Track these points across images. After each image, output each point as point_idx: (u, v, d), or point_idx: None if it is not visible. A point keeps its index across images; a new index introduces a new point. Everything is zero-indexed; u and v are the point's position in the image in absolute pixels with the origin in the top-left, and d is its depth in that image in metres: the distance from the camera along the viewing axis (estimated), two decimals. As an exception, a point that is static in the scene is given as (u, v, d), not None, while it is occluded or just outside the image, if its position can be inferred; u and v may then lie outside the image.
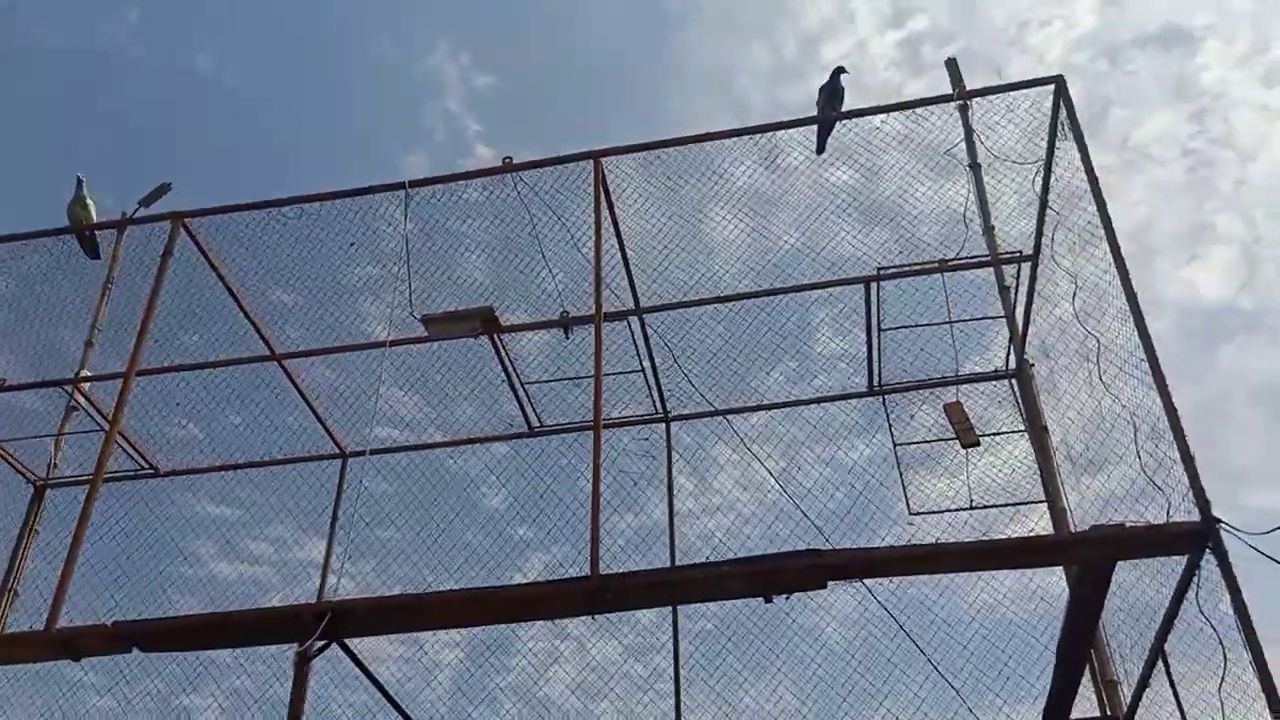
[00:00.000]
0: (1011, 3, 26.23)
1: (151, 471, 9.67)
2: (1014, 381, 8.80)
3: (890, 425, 8.65)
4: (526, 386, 8.90)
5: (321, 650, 5.85)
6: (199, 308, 8.46)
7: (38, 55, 22.86)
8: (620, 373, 8.52)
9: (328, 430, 9.27)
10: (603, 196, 7.32)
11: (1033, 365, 8.75)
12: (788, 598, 5.84)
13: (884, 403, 8.85)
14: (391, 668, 7.96)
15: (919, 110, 7.49)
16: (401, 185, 7.39)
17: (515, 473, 9.06)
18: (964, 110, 8.46)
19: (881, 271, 8.22)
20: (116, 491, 9.82)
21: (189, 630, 5.87)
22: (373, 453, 9.40)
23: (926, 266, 8.19)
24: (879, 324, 8.55)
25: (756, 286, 8.41)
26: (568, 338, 8.46)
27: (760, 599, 5.83)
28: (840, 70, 7.44)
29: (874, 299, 8.36)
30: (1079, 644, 6.09)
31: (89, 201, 7.83)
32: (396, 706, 6.52)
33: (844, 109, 7.43)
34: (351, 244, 7.33)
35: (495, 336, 8.40)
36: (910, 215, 8.15)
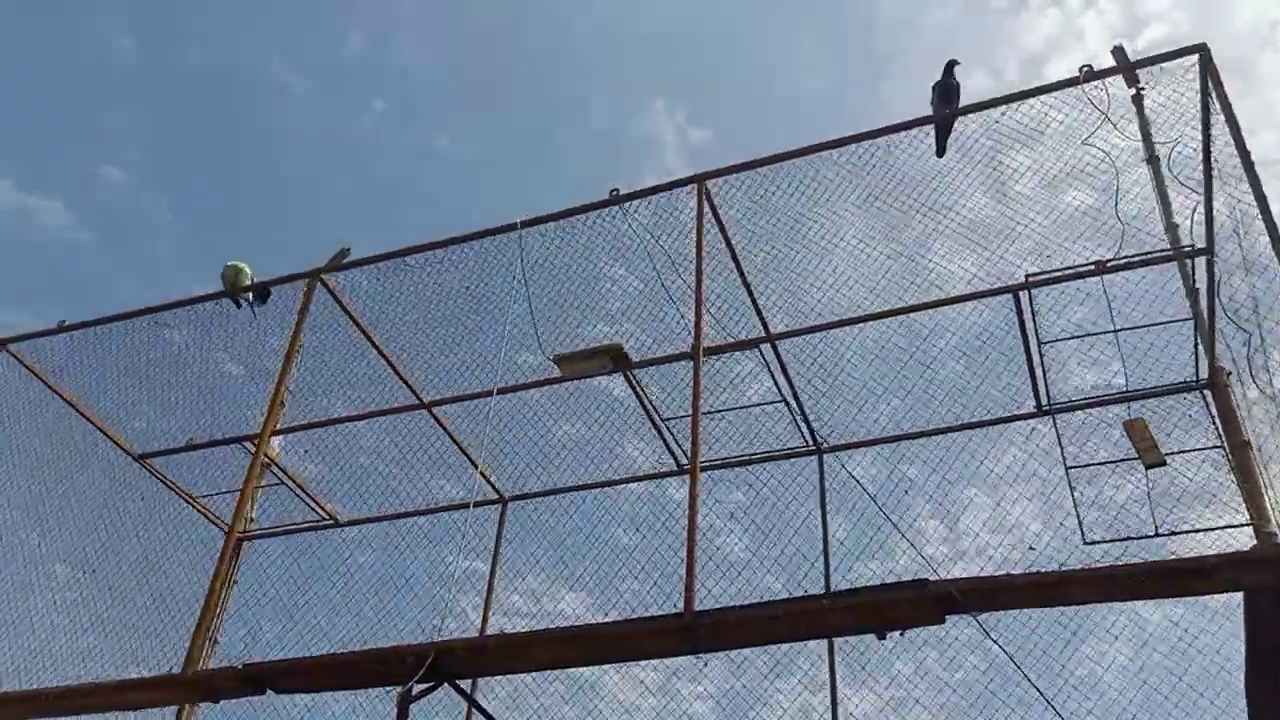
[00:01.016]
0: (1257, 2, 24.01)
1: (332, 522, 10.15)
2: (1207, 393, 7.80)
3: (1061, 446, 7.85)
4: (669, 423, 8.71)
5: (427, 692, 5.86)
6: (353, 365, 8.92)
7: (295, 140, 25.26)
8: (754, 405, 8.18)
9: (484, 476, 9.41)
10: (714, 221, 7.13)
11: (1229, 374, 7.73)
12: (903, 634, 5.34)
13: (1054, 423, 8.04)
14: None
15: (1068, 100, 6.83)
16: (513, 227, 7.46)
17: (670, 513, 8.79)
18: (1138, 100, 7.73)
19: (1030, 279, 7.52)
20: (308, 542, 10.47)
21: (305, 671, 6.02)
22: (524, 497, 9.50)
23: (1082, 270, 7.42)
24: (1038, 337, 7.82)
25: (892, 305, 7.88)
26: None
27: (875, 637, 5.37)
28: (953, 64, 6.92)
29: (1026, 309, 7.66)
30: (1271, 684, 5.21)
31: (243, 268, 8.42)
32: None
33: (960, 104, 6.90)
34: (466, 288, 7.44)
35: (628, 373, 8.29)
36: (1049, 219, 7.46)
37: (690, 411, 8.42)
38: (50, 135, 26.35)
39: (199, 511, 9.80)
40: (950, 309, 8.03)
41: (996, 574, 5.00)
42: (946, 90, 6.87)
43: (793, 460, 8.83)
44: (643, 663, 8.19)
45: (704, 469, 8.69)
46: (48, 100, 25.80)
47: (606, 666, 8.16)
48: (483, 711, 6.32)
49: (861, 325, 8.13)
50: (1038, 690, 5.35)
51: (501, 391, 8.01)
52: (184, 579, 9.89)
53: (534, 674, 8.22)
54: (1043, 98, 6.78)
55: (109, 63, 26.27)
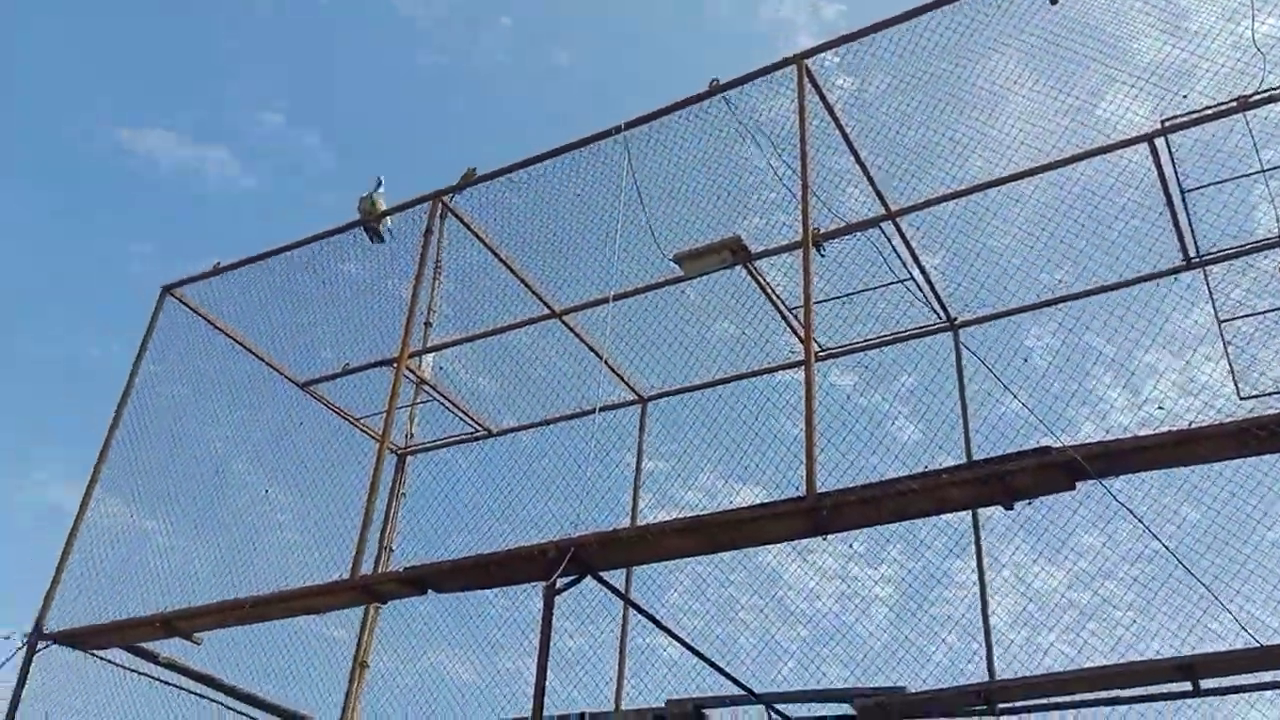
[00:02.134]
0: None
1: (486, 433, 10.63)
2: (1376, 226, 7.20)
3: (1213, 299, 7.44)
4: (794, 312, 8.66)
5: (571, 584, 6.16)
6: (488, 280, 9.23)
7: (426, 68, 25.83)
8: (881, 286, 8.02)
9: (622, 377, 9.63)
10: (818, 102, 6.95)
11: (1403, 202, 7.10)
12: (1030, 503, 5.26)
13: (1205, 276, 7.60)
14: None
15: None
16: (618, 129, 7.47)
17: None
18: None
19: (1166, 124, 7.05)
20: (465, 452, 11.05)
21: (459, 571, 6.42)
22: (666, 394, 9.68)
23: (1223, 108, 6.89)
24: (1180, 185, 7.35)
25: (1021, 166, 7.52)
26: (822, 255, 8.12)
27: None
28: None
29: (1166, 157, 7.20)
30: None
31: (378, 197, 8.76)
32: (664, 629, 6.68)
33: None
34: (578, 197, 7.53)
35: (749, 265, 8.26)
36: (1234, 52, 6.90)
37: (817, 299, 8.50)
38: (209, 89, 27.73)
39: (361, 430, 10.40)
40: (1121, 159, 7.55)
41: (1121, 436, 4.84)
42: None
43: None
44: (822, 550, 8.40)
45: (831, 355, 8.69)
46: (201, 56, 27.09)
47: (787, 555, 8.43)
48: (624, 598, 6.60)
49: (1020, 193, 7.77)
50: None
51: (618, 297, 8.13)
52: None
53: (716, 564, 8.57)
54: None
55: (252, 16, 27.31)
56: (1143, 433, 4.76)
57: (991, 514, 7.58)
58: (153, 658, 7.97)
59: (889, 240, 8.06)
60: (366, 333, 10.17)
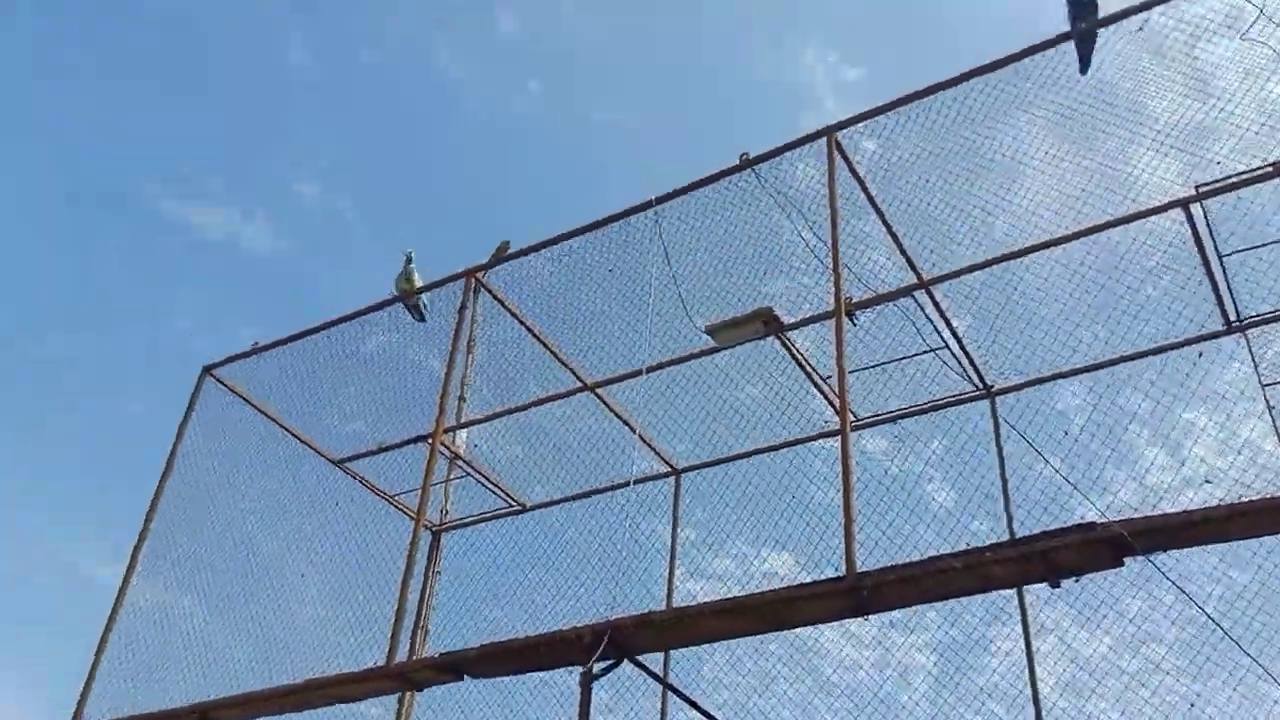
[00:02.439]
0: None
1: (520, 507, 10.58)
2: None
3: (1255, 362, 7.31)
4: (828, 381, 8.60)
5: (609, 669, 6.06)
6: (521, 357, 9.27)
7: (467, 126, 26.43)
8: (912, 355, 7.97)
9: (655, 450, 9.58)
10: (848, 175, 6.97)
11: None
12: (1076, 580, 5.13)
13: (1246, 339, 7.48)
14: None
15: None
16: (649, 204, 7.52)
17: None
18: None
19: (1200, 189, 6.99)
20: (499, 528, 11.00)
21: (493, 656, 6.34)
22: (700, 467, 9.61)
23: (1259, 173, 6.83)
24: (1218, 249, 7.28)
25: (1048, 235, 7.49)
26: (854, 325, 8.08)
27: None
28: None
29: (1201, 222, 7.13)
30: None
31: (413, 274, 8.85)
32: (699, 709, 6.55)
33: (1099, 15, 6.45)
34: (610, 270, 7.57)
35: (782, 335, 8.23)
36: (1258, 112, 6.87)
37: (850, 369, 8.44)
38: (248, 159, 28.38)
39: (396, 507, 10.38)
40: (1150, 226, 7.50)
41: (1169, 511, 4.72)
42: (1077, 2, 6.45)
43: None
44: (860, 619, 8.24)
45: (865, 425, 8.60)
46: (240, 129, 27.78)
47: (821, 625, 8.28)
48: (662, 681, 6.48)
49: (1052, 255, 7.72)
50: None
51: (650, 370, 8.12)
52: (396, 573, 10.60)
53: (750, 639, 8.44)
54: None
55: (290, 79, 28.00)
56: (1186, 497, 4.63)
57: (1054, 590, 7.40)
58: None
59: (921, 308, 8.01)
60: (402, 409, 10.23)
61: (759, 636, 8.40)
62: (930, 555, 5.24)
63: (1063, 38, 6.61)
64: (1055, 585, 5.15)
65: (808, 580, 5.55)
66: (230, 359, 9.41)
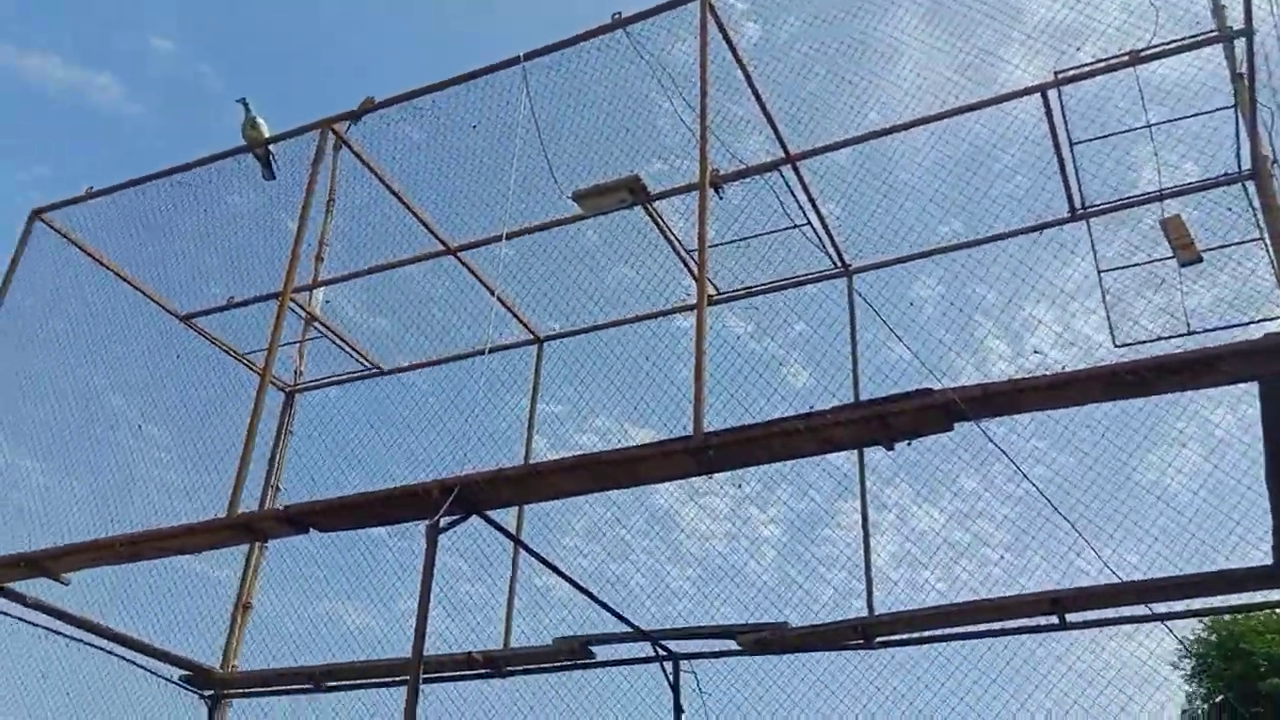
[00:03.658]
0: None
1: (377, 370, 10.41)
2: (1249, 185, 7.44)
3: (1095, 250, 7.64)
4: (692, 255, 8.62)
5: (455, 523, 6.08)
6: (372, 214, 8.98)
7: None
8: (778, 230, 8.03)
9: (518, 316, 9.49)
10: (720, 39, 6.86)
11: (1274, 162, 7.35)
12: (910, 444, 5.35)
13: (1088, 227, 7.79)
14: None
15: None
16: (517, 60, 7.28)
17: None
18: None
19: (1059, 75, 7.16)
20: (356, 391, 10.83)
21: (341, 510, 6.29)
22: (562, 336, 9.59)
23: (1114, 62, 7.02)
24: (1070, 137, 7.50)
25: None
26: (720, 197, 8.08)
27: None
28: None
29: (1057, 109, 7.32)
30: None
31: (258, 120, 8.36)
32: (550, 566, 6.68)
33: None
34: (473, 126, 7.34)
35: (648, 205, 8.18)
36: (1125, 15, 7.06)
37: (715, 242, 8.47)
38: (91, 9, 26.27)
39: (246, 365, 10.08)
40: (1012, 116, 7.67)
41: (998, 379, 4.94)
42: None
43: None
44: (714, 492, 8.50)
45: (726, 299, 8.71)
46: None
47: (681, 498, 8.51)
48: (510, 535, 6.57)
49: (916, 145, 7.84)
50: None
51: (510, 235, 7.99)
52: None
53: (613, 507, 8.62)
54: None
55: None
56: (1019, 375, 4.85)
57: (879, 458, 7.74)
58: (20, 599, 7.65)
59: (788, 187, 8.06)
60: (257, 268, 9.84)
61: (622, 509, 8.67)
62: (774, 417, 5.37)
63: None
64: (890, 448, 5.37)
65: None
66: (62, 203, 8.83)
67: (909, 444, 5.31)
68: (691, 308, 8.50)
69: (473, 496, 5.93)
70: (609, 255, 9.35)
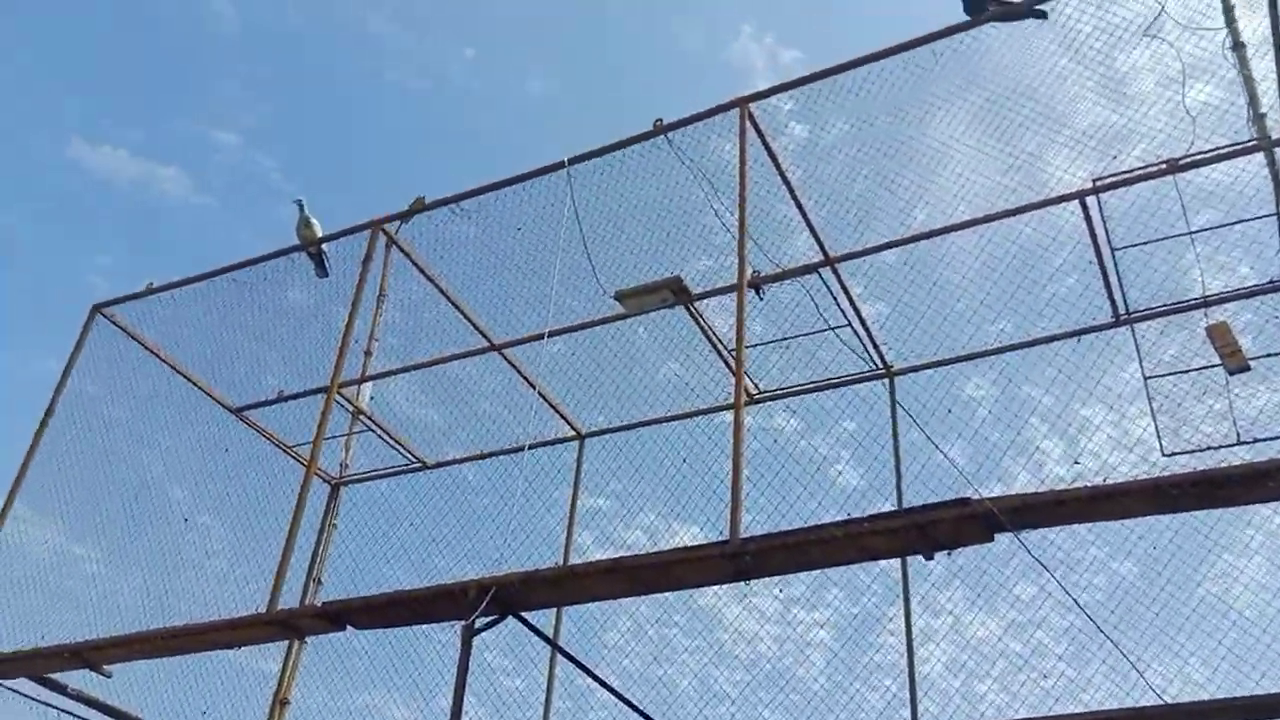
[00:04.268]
0: None
1: (420, 465, 10.50)
2: (1300, 291, 7.37)
3: (1140, 356, 7.56)
4: (732, 353, 8.66)
5: (491, 624, 6.06)
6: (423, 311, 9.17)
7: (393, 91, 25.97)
8: (816, 332, 8.06)
9: (560, 412, 9.56)
10: (760, 145, 7.01)
11: (1324, 269, 7.28)
12: (950, 554, 5.27)
13: (1133, 332, 7.71)
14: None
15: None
16: (562, 165, 7.47)
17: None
18: None
19: (1097, 183, 7.18)
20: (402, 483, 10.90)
21: (377, 608, 6.30)
22: (604, 432, 9.63)
23: (1152, 170, 7.04)
24: (1110, 243, 7.49)
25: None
26: (761, 298, 8.15)
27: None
28: None
29: (1096, 215, 7.34)
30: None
31: (312, 220, 8.63)
32: (588, 672, 6.61)
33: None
34: (518, 228, 7.51)
35: (690, 305, 8.27)
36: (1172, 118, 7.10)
37: (753, 343, 8.52)
38: (161, 105, 27.44)
39: (294, 458, 10.21)
40: (1060, 218, 7.68)
41: (1039, 490, 4.87)
42: None
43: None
44: (764, 592, 8.36)
45: (767, 398, 8.71)
46: (156, 71, 26.84)
47: (729, 598, 8.39)
48: (546, 639, 6.52)
49: (962, 247, 7.85)
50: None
51: (553, 333, 8.10)
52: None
53: (657, 606, 8.51)
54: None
55: (216, 32, 27.15)
56: (1060, 487, 4.79)
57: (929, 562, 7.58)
58: (61, 689, 7.71)
59: (827, 288, 8.11)
60: (312, 362, 10.03)
61: (666, 608, 8.56)
62: (813, 524, 5.33)
63: (966, 25, 6.72)
64: (929, 558, 5.29)
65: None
66: (122, 299, 9.13)
67: (949, 554, 5.22)
68: (726, 407, 8.53)
69: (509, 597, 5.91)
70: (658, 351, 9.40)
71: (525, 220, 7.76)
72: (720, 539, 5.45)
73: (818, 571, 7.21)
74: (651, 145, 7.62)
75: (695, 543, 5.61)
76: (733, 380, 8.81)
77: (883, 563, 7.54)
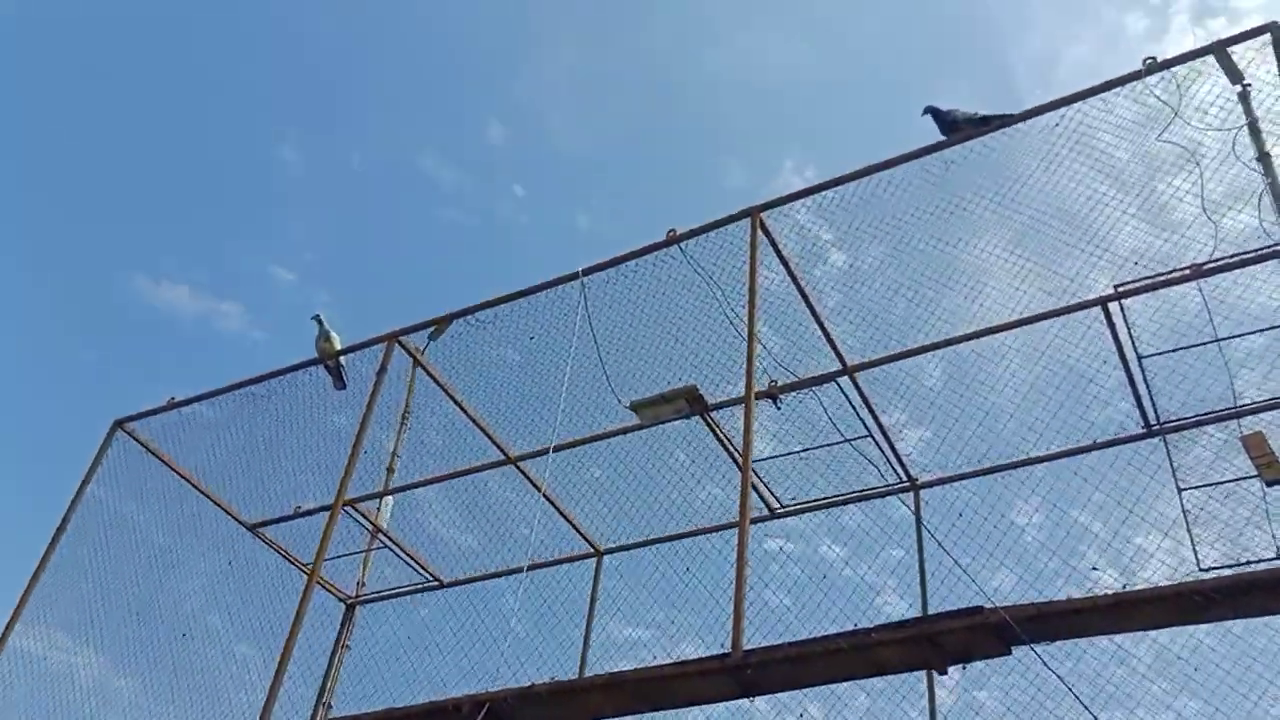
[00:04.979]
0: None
1: (437, 583, 10.28)
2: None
3: (1173, 468, 7.25)
4: (756, 466, 8.47)
5: (488, 742, 5.78)
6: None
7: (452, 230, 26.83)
8: (828, 444, 7.86)
9: (576, 528, 9.36)
10: (770, 254, 6.98)
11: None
12: (964, 668, 4.95)
13: (1165, 443, 7.42)
14: None
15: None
16: (576, 275, 7.48)
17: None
18: (1244, 98, 7.21)
19: (1119, 289, 7.03)
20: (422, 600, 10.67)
21: (373, 725, 6.04)
22: (622, 549, 9.40)
23: (1174, 275, 6.88)
24: (1137, 351, 7.29)
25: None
26: (778, 408, 8.00)
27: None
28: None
29: (1120, 322, 7.16)
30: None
31: (331, 334, 8.69)
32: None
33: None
34: (531, 338, 7.49)
35: (706, 415, 8.14)
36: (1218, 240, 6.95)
37: (771, 454, 8.33)
38: (225, 243, 28.53)
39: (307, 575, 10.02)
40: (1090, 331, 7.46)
41: (1055, 599, 4.59)
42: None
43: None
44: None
45: (790, 512, 8.46)
46: (222, 212, 28.00)
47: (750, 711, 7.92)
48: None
49: (1002, 368, 7.64)
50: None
51: (558, 449, 7.98)
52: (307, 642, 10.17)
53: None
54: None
55: (282, 175, 28.36)
56: (1076, 595, 4.50)
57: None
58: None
59: (846, 397, 7.95)
60: (334, 477, 9.94)
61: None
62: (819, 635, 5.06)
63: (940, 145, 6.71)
64: (942, 671, 4.98)
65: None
66: (143, 414, 9.20)
67: (963, 668, 4.91)
68: (730, 526, 8.29)
69: (504, 713, 5.64)
70: (702, 469, 9.16)
71: (538, 328, 7.73)
72: (722, 651, 5.19)
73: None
74: (683, 260, 7.57)
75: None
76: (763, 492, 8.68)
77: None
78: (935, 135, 7.00)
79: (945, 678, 6.13)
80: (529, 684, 5.62)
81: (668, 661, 5.34)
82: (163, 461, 9.34)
